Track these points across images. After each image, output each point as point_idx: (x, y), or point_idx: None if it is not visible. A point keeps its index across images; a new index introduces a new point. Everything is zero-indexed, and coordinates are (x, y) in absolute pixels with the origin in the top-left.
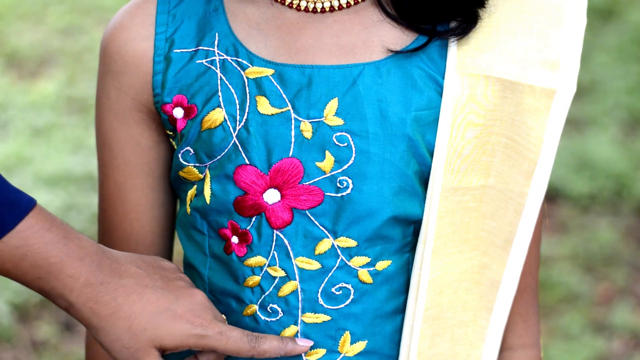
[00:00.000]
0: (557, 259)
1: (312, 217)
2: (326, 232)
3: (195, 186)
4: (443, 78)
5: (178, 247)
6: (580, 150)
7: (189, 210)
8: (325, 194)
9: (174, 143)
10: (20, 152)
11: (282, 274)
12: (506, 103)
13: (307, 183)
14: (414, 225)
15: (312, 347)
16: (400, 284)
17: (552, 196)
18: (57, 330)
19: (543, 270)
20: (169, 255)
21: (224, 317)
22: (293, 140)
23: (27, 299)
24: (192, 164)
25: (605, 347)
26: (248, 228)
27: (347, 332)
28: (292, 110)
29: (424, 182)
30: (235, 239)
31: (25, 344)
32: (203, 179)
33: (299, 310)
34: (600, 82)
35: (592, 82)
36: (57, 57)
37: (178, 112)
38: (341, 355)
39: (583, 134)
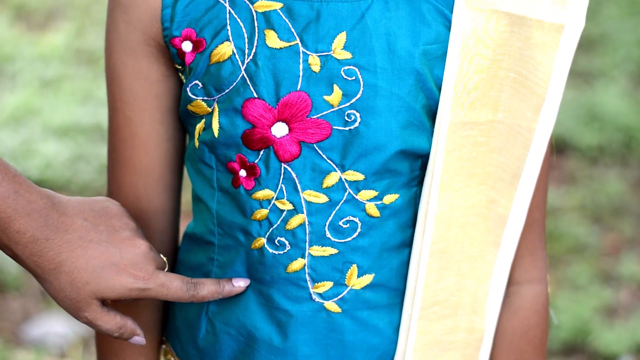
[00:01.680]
0: (565, 209)
1: (319, 151)
2: (334, 165)
3: (203, 120)
4: (451, 12)
5: (186, 197)
6: (590, 103)
7: (197, 144)
8: (333, 127)
9: (182, 77)
10: (29, 103)
11: (290, 207)
12: (514, 38)
13: (315, 116)
14: (421, 160)
15: (319, 280)
16: (407, 217)
17: (561, 148)
18: None
19: (551, 221)
20: (177, 190)
21: (166, 262)
22: (301, 73)
23: None
24: (201, 98)
25: (612, 298)
26: (256, 161)
27: (354, 265)
28: (300, 44)
29: (432, 116)
30: (243, 173)
31: (33, 292)
32: (211, 113)
33: (307, 244)
34: (610, 35)
35: (602, 35)
36: (66, 9)
37: (187, 46)
38: (348, 288)
39: (592, 86)
